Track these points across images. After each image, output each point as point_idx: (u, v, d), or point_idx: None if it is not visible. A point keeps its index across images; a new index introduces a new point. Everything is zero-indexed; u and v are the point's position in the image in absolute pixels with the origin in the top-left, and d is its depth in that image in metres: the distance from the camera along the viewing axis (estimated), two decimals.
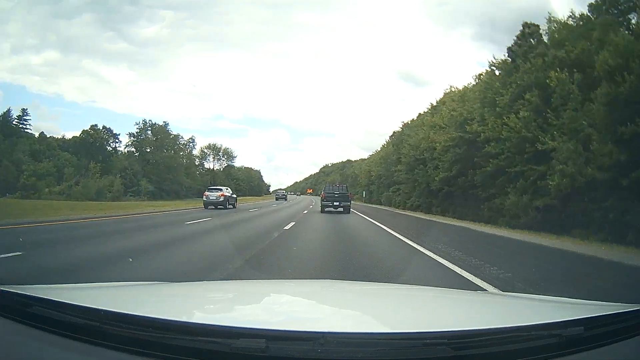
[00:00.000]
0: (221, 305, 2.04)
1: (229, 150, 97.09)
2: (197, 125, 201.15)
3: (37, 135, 64.14)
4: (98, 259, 7.21)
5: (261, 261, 7.50)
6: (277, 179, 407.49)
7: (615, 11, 16.67)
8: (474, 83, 28.76)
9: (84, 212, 19.56)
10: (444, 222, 22.45)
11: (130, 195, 49.75)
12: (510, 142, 18.34)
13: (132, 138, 61.14)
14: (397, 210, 36.04)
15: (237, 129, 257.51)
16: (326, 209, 26.87)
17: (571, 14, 18.85)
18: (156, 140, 61.22)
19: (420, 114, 44.68)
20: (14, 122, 60.15)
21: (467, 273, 6.69)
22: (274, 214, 24.02)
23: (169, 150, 62.63)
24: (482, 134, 20.06)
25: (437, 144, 26.66)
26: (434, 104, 38.41)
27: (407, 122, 46.75)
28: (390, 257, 8.94)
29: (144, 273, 6.07)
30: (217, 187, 32.89)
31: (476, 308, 2.05)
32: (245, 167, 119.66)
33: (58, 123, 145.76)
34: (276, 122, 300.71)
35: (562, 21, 19.13)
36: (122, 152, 63.53)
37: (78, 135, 63.13)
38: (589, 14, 18.00)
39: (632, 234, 12.02)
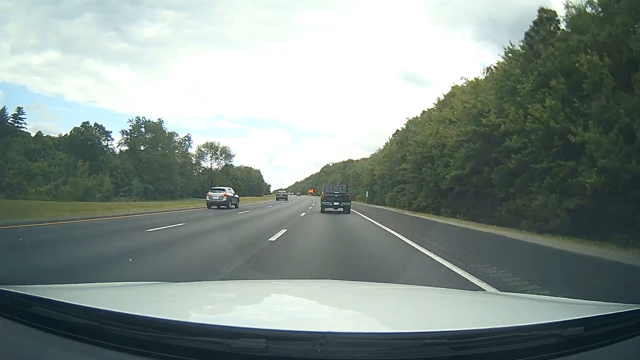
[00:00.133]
0: (221, 305, 2.05)
1: (227, 148, 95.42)
2: (198, 125, 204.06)
3: (33, 134, 64.33)
4: None
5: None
6: (278, 179, 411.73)
7: None
8: (482, 77, 26.66)
9: (57, 214, 18.20)
10: (460, 225, 20.40)
11: (121, 195, 48.07)
12: (536, 135, 16.25)
13: (125, 136, 58.91)
14: (408, 213, 33.03)
15: (238, 129, 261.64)
16: (326, 209, 27.29)
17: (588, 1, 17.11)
18: (150, 138, 58.98)
19: (424, 111, 42.92)
20: (9, 121, 59.89)
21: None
22: (265, 218, 21.22)
23: (163, 148, 60.43)
24: (501, 126, 17.92)
25: (449, 139, 24.51)
26: (441, 98, 36.28)
27: (412, 119, 44.60)
28: (413, 273, 7.12)
29: None
30: (220, 188, 34.38)
31: (476, 308, 2.06)
32: (244, 167, 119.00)
33: (58, 123, 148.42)
34: (277, 122, 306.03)
35: (581, 7, 17.26)
36: (114, 150, 61.62)
37: (69, 133, 61.11)
38: None
39: None
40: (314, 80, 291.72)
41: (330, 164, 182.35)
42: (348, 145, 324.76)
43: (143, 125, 60.43)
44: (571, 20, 18.13)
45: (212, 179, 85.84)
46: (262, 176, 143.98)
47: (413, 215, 30.41)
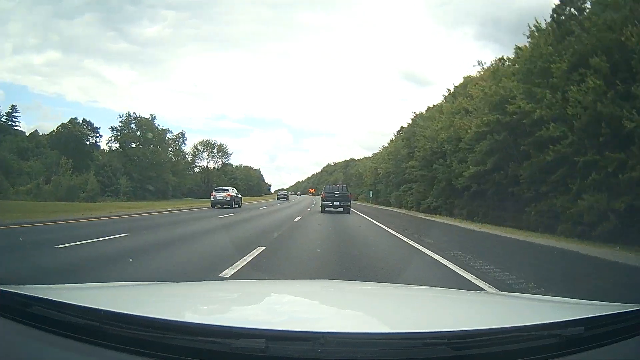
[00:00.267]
0: (221, 305, 2.07)
1: (224, 146, 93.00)
2: (199, 125, 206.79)
3: (28, 133, 63.23)
4: None
5: None
6: (279, 179, 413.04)
7: None
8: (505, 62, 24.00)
9: (18, 217, 16.45)
10: (492, 232, 17.17)
11: (108, 195, 45.57)
12: (579, 122, 13.60)
13: (114, 132, 56.40)
14: (424, 216, 29.08)
15: (239, 129, 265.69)
16: (326, 209, 27.87)
17: None
18: (140, 134, 56.35)
19: (429, 107, 40.61)
20: (2, 120, 58.56)
21: None
22: (244, 226, 16.66)
23: (155, 145, 57.84)
24: (536, 112, 15.24)
25: (465, 132, 21.78)
26: (451, 89, 33.81)
27: (419, 113, 42.06)
28: None
29: None
30: (224, 188, 36.39)
31: (476, 308, 2.09)
32: (244, 166, 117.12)
33: (59, 123, 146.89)
34: (278, 122, 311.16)
35: None
36: (104, 147, 59.33)
37: (55, 130, 58.90)
38: None
39: None
40: (315, 80, 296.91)
41: (332, 164, 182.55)
42: (349, 145, 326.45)
43: (133, 122, 57.80)
44: None
45: (209, 178, 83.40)
46: (262, 176, 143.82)
47: (428, 218, 26.91)
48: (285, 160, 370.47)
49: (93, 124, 62.77)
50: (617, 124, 12.97)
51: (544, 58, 16.90)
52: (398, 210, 39.11)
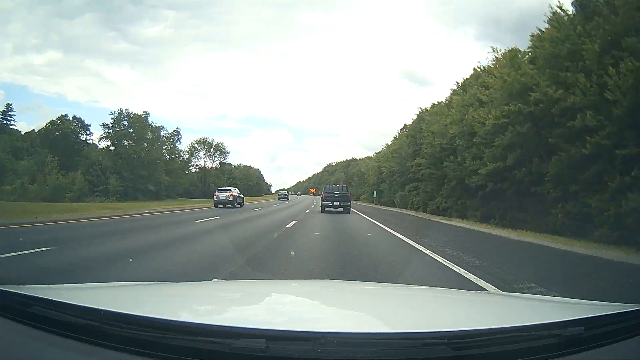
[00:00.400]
0: (221, 305, 2.08)
1: (222, 145, 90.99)
2: (200, 125, 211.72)
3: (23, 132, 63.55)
4: None
5: None
6: (280, 179, 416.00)
7: None
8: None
9: None
10: (527, 240, 14.41)
11: (97, 195, 44.18)
12: (619, 109, 11.88)
13: (106, 129, 54.85)
14: (436, 219, 26.15)
15: (240, 128, 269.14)
16: (326, 209, 28.45)
17: None
18: (133, 132, 54.75)
19: (434, 104, 39.22)
20: None
21: None
22: (222, 235, 13.10)
23: (148, 143, 56.28)
24: (568, 99, 13.48)
25: (483, 124, 19.93)
26: (460, 82, 32.19)
27: (424, 109, 40.49)
28: None
29: None
30: (227, 188, 38.16)
31: (476, 308, 2.10)
32: (243, 166, 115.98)
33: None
34: (279, 122, 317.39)
35: None
36: (96, 145, 57.87)
37: (44, 127, 57.47)
38: None
39: None
40: (316, 80, 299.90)
41: (333, 163, 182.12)
42: (350, 145, 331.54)
43: (125, 118, 56.20)
44: None
45: (206, 178, 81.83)
46: (262, 175, 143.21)
47: (443, 221, 24.45)
48: (286, 160, 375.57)
49: (84, 121, 61.88)
50: None
51: (572, 40, 15.19)
52: (405, 212, 37.08)
